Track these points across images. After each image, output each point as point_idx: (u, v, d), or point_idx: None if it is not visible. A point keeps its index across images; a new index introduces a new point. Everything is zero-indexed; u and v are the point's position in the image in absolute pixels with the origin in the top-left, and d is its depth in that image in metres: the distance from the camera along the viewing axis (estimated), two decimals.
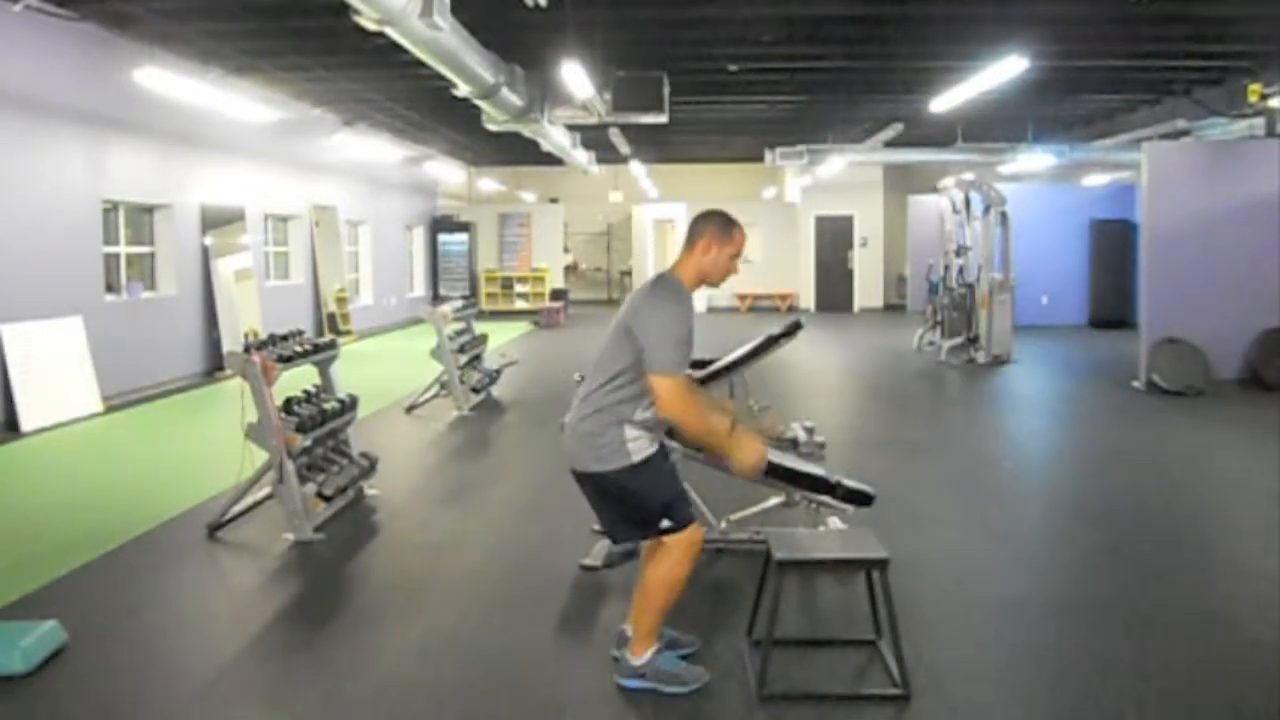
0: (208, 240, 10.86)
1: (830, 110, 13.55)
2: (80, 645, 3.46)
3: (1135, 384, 9.40)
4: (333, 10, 5.96)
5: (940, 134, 14.58)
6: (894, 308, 19.92)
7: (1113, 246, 15.43)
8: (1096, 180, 16.33)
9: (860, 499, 4.17)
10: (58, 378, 8.05)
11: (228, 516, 4.86)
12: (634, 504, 3.08)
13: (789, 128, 14.95)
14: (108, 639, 3.59)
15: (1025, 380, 10.46)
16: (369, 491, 5.54)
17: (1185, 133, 11.43)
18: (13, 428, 7.55)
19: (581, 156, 14.78)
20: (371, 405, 8.15)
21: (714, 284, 3.21)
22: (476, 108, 9.03)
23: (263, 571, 4.44)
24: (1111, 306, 15.51)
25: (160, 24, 8.21)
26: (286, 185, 13.30)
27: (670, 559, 3.07)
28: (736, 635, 3.46)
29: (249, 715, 3.11)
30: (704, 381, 6.38)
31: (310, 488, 4.89)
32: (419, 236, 20.23)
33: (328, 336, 7.15)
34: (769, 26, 8.67)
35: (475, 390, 8.70)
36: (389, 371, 11.09)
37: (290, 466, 4.69)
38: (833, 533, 3.91)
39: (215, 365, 10.45)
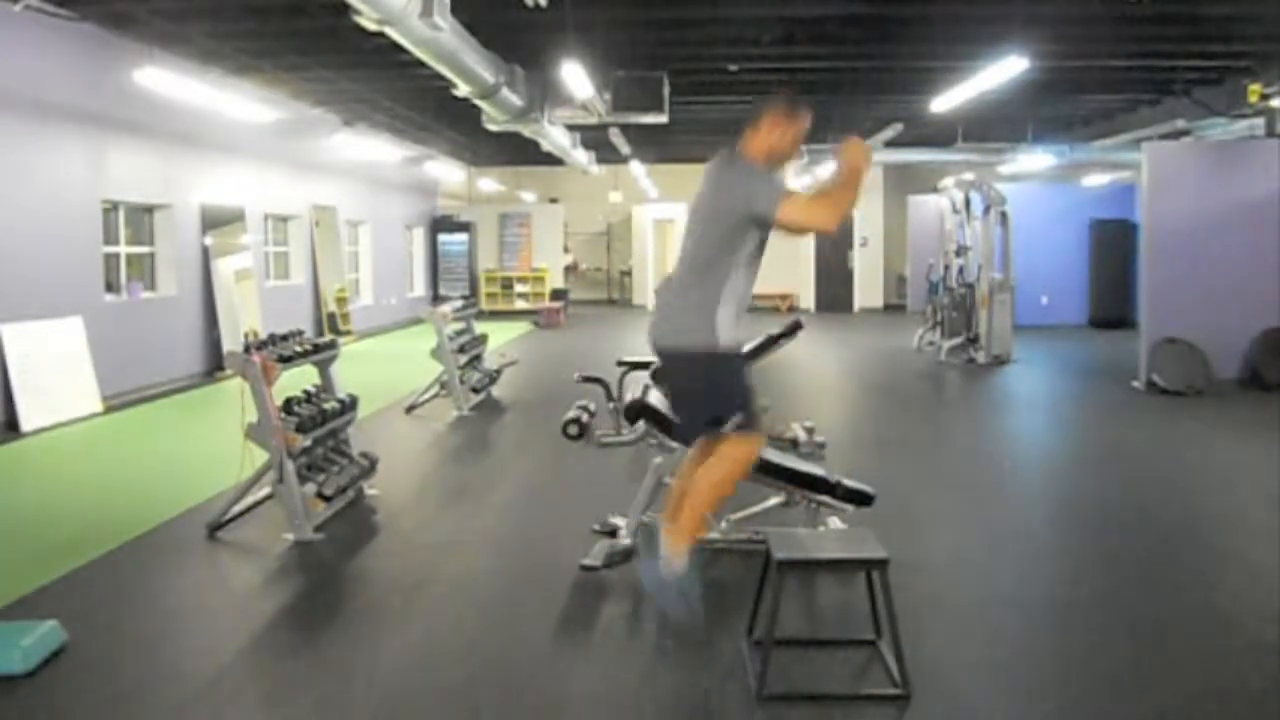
0: (208, 240, 10.86)
1: (830, 110, 13.55)
2: (80, 645, 3.45)
3: (1135, 384, 9.40)
4: (333, 10, 5.97)
5: (940, 134, 14.57)
6: (894, 308, 19.92)
7: (1113, 246, 15.42)
8: (1096, 180, 16.33)
9: (860, 499, 4.18)
10: (57, 378, 8.04)
11: (228, 516, 4.85)
12: (716, 392, 3.09)
13: None
14: (108, 639, 3.58)
15: (1025, 380, 10.46)
16: (369, 491, 5.54)
17: (1185, 133, 11.43)
18: (12, 428, 7.55)
19: (581, 156, 14.78)
20: (371, 405, 8.15)
21: (784, 161, 3.21)
22: (476, 108, 9.03)
23: (263, 571, 4.44)
24: (1111, 306, 15.50)
25: (160, 24, 8.21)
26: (286, 185, 13.29)
27: (730, 460, 3.10)
28: (736, 635, 3.46)
29: (249, 715, 3.11)
30: None
31: (310, 488, 4.89)
32: (419, 236, 20.23)
33: (328, 336, 7.15)
34: (769, 26, 8.67)
35: (475, 390, 8.70)
36: (389, 371, 11.09)
37: (290, 466, 4.69)
38: (833, 533, 3.91)
39: (215, 365, 10.45)
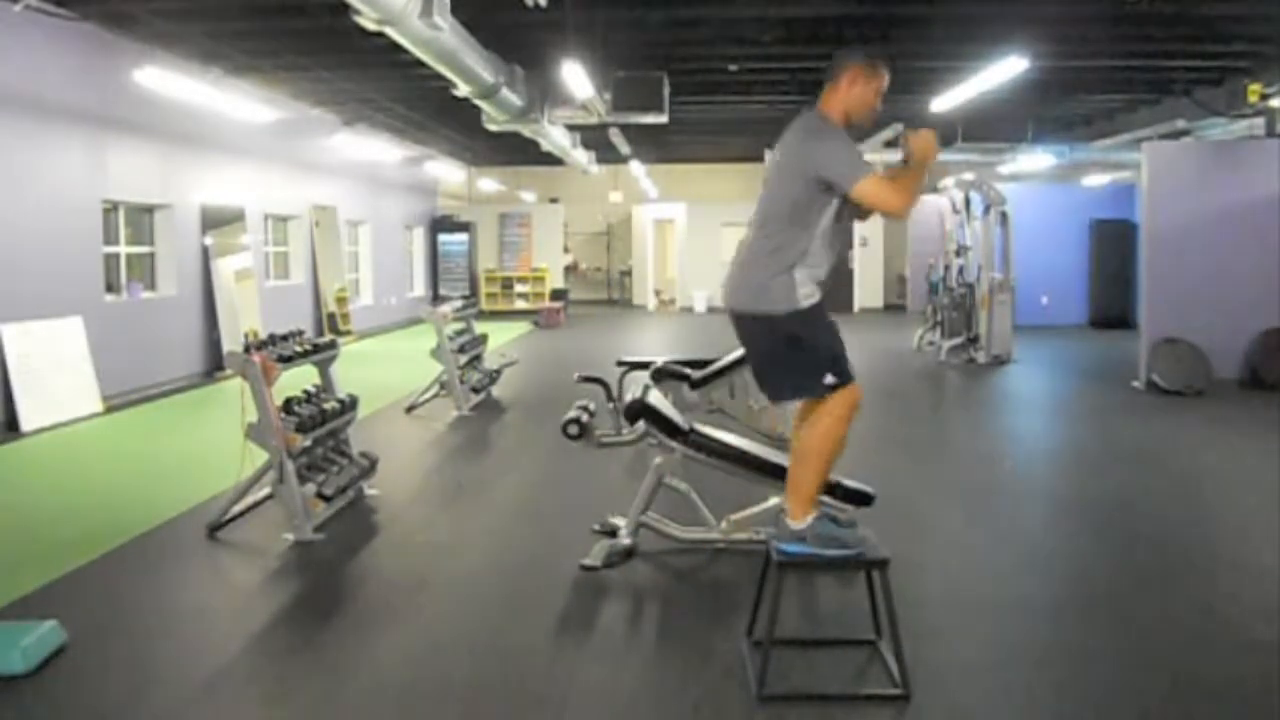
0: (208, 240, 10.86)
1: None
2: (80, 645, 3.45)
3: (1135, 384, 9.40)
4: (333, 10, 5.97)
5: (940, 134, 14.56)
6: (894, 308, 19.92)
7: (1113, 246, 15.42)
8: (1096, 180, 16.33)
9: (860, 499, 4.18)
10: (58, 378, 8.04)
11: (228, 516, 4.85)
12: (803, 354, 3.04)
13: None
14: (108, 639, 3.59)
15: (1025, 380, 10.46)
16: (369, 491, 5.54)
17: (1185, 133, 11.43)
18: (13, 428, 7.55)
19: (581, 156, 14.78)
20: (371, 405, 8.15)
21: (859, 122, 3.14)
22: (476, 108, 9.03)
23: (263, 571, 4.44)
24: (1111, 306, 15.51)
25: (160, 24, 8.21)
26: (286, 185, 13.29)
27: (831, 416, 3.06)
28: (736, 635, 3.46)
29: (249, 715, 3.11)
30: (704, 381, 6.39)
31: (310, 488, 4.89)
32: (419, 236, 20.23)
33: (328, 336, 7.15)
34: (769, 26, 8.67)
35: (475, 390, 8.69)
36: (389, 371, 11.09)
37: (290, 466, 4.69)
38: None
39: (215, 365, 10.44)
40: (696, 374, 6.33)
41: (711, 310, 19.85)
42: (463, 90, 7.91)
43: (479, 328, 9.81)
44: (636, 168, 19.30)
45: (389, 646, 3.52)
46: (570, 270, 22.55)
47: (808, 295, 3.06)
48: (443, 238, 20.55)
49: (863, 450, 6.82)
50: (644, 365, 6.51)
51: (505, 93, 8.45)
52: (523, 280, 21.06)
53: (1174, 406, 8.52)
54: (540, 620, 3.75)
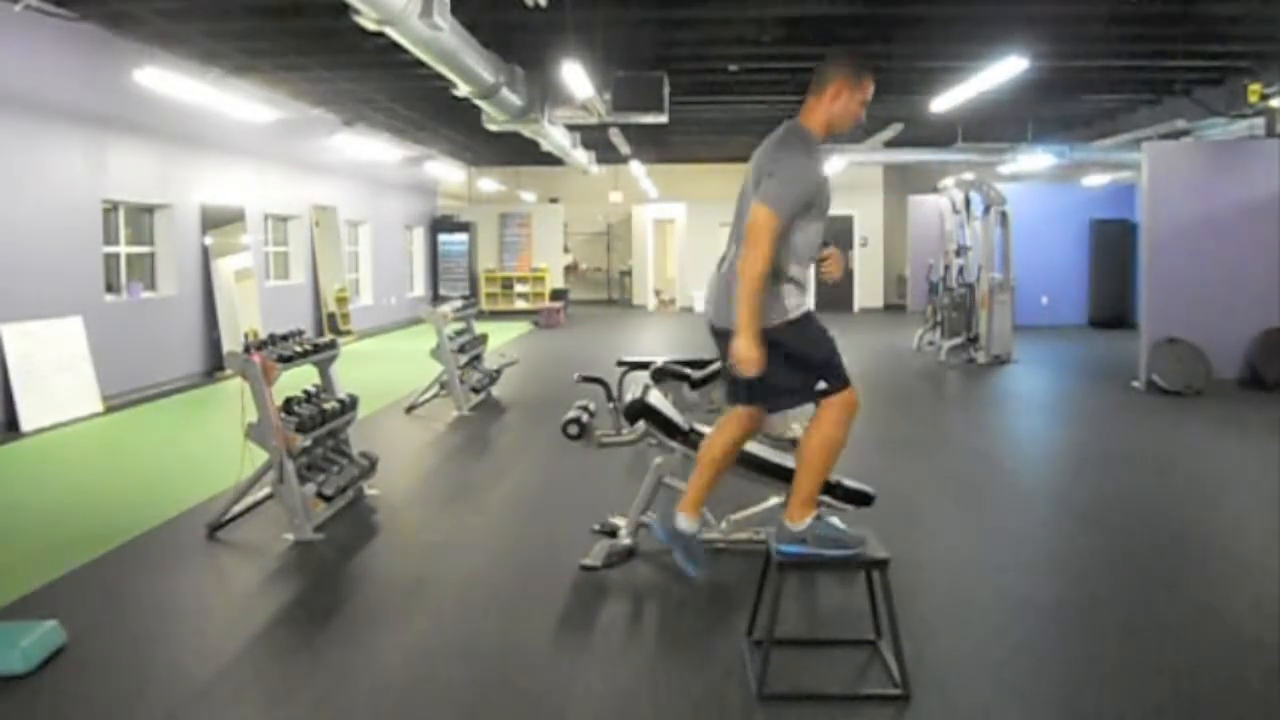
0: (208, 240, 10.86)
1: None
2: (80, 645, 3.45)
3: (1135, 384, 9.40)
4: (333, 10, 5.97)
5: (940, 134, 14.57)
6: (894, 308, 19.93)
7: (1113, 246, 15.43)
8: (1096, 180, 16.33)
9: (860, 499, 4.18)
10: (58, 378, 8.04)
11: (228, 516, 4.86)
12: (792, 363, 3.04)
13: None
14: (108, 639, 3.59)
15: (1025, 380, 10.46)
16: (369, 491, 5.54)
17: (1185, 133, 11.42)
18: (13, 428, 7.55)
19: (581, 156, 14.77)
20: (371, 405, 8.15)
21: (841, 132, 3.13)
22: (476, 108, 9.03)
23: (263, 571, 4.44)
24: (1111, 306, 15.51)
25: (160, 24, 8.21)
26: (286, 185, 13.29)
27: (828, 421, 3.06)
28: (736, 635, 3.46)
29: (249, 715, 3.11)
30: (704, 381, 6.38)
31: (310, 488, 4.89)
32: (419, 236, 20.23)
33: (328, 336, 7.15)
34: (769, 27, 8.67)
35: (475, 390, 8.70)
36: (389, 371, 11.09)
37: (290, 466, 4.69)
38: None
39: (215, 365, 10.45)
40: (697, 374, 6.33)
41: None
42: (463, 90, 7.91)
43: (479, 328, 9.81)
44: (636, 168, 19.31)
45: (389, 646, 3.52)
46: (570, 270, 22.55)
47: (797, 305, 3.06)
48: (443, 238, 20.55)
49: (863, 450, 6.83)
50: (644, 365, 6.50)
51: (505, 93, 8.45)
52: (523, 280, 21.07)
53: (1174, 406, 8.52)
54: (540, 620, 3.75)
